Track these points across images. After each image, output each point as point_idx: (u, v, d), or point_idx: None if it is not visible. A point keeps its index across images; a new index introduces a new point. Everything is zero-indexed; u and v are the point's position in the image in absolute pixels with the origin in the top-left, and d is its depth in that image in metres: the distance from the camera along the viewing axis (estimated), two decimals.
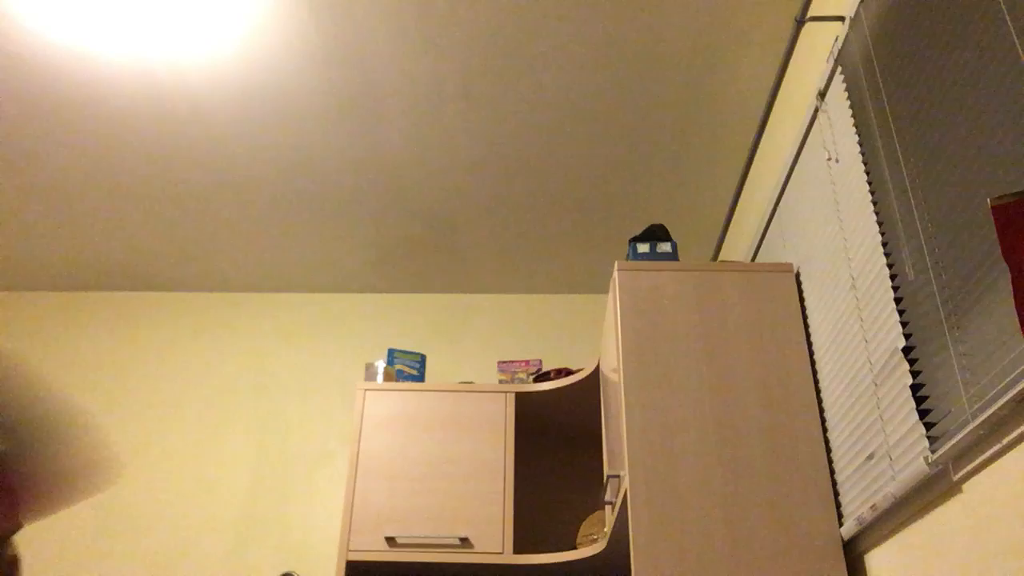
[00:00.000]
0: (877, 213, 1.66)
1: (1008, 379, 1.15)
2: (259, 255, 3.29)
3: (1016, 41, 1.14)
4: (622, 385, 1.93)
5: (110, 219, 3.06)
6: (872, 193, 1.68)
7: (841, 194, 1.85)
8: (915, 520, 1.46)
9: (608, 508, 2.18)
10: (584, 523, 2.63)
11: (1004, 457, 1.19)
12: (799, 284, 2.11)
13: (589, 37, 2.27)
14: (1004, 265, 1.16)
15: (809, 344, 2.01)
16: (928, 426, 1.40)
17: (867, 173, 1.71)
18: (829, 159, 1.92)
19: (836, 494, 1.81)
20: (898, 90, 1.55)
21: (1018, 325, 1.12)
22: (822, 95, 1.96)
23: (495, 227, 3.10)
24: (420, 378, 2.96)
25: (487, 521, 2.47)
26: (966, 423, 1.25)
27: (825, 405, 1.90)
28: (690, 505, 1.78)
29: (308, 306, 3.52)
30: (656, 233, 2.29)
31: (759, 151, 2.57)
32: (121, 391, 3.32)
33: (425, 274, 3.40)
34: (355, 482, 2.54)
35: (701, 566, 1.71)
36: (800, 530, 1.75)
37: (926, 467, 1.35)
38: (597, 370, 2.61)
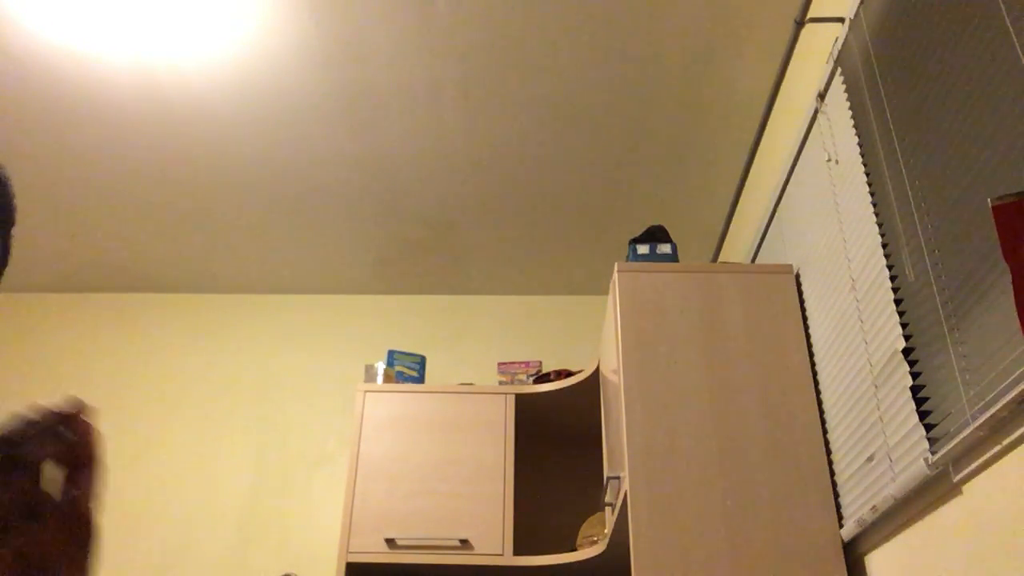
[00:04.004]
0: (877, 214, 1.65)
1: (1009, 380, 1.15)
2: (259, 256, 3.29)
3: (1016, 41, 1.14)
4: (622, 386, 1.93)
5: (110, 220, 3.06)
6: (872, 194, 1.68)
7: (841, 195, 1.85)
8: (915, 521, 1.46)
9: (608, 510, 2.18)
10: (584, 525, 2.62)
11: (1004, 459, 1.18)
12: (799, 285, 2.11)
13: (589, 39, 2.27)
14: (1004, 265, 1.16)
15: (809, 345, 2.01)
16: (928, 427, 1.40)
17: (867, 174, 1.71)
18: (829, 160, 1.92)
19: (836, 495, 1.81)
20: (898, 91, 1.55)
21: (1019, 325, 1.11)
22: (822, 96, 1.96)
23: (495, 228, 3.09)
24: (420, 380, 2.95)
25: (487, 523, 2.47)
26: (966, 424, 1.25)
27: (825, 406, 1.90)
28: (690, 506, 1.78)
29: (308, 308, 3.52)
30: (656, 234, 2.29)
31: (759, 152, 2.56)
32: (121, 392, 3.31)
33: (425, 275, 3.40)
34: (355, 484, 2.53)
35: (701, 568, 1.71)
36: (800, 531, 1.75)
37: (926, 468, 1.35)
38: (597, 371, 2.60)
